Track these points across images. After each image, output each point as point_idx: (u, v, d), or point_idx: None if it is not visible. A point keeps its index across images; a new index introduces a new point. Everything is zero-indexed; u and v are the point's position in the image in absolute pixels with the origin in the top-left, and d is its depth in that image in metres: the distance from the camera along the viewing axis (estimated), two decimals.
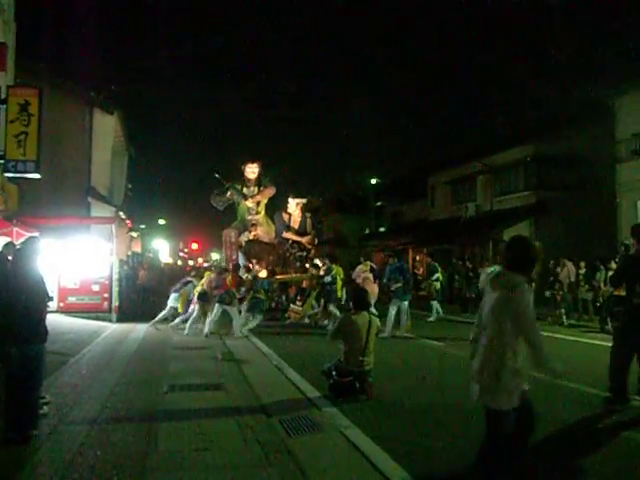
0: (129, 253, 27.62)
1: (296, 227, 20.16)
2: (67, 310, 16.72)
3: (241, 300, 15.53)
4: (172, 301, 16.32)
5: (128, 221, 25.95)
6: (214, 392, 7.89)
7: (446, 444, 5.83)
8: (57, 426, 6.20)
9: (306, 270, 18.51)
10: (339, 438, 5.96)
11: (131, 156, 26.12)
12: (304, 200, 20.67)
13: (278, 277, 18.33)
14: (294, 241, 20.04)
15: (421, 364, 10.95)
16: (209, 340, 13.41)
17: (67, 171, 20.69)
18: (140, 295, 21.42)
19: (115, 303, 16.96)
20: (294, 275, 19.04)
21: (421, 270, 27.68)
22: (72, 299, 17.06)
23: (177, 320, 15.75)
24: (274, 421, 6.47)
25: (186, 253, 74.71)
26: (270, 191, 19.83)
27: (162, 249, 55.13)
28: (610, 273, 15.01)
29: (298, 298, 17.99)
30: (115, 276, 17.06)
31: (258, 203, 19.75)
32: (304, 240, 20.08)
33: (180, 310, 16.05)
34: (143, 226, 39.74)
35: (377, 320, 8.36)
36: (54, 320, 11.34)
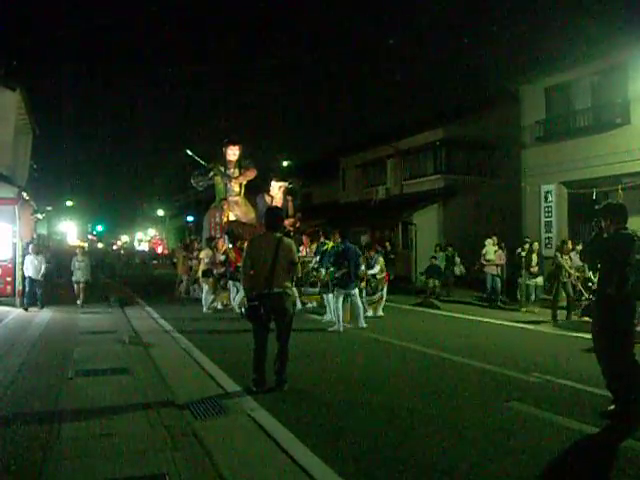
0: (34, 235, 26.74)
1: None
2: None
3: (222, 276, 16.27)
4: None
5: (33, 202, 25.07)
6: (120, 376, 7.77)
7: (355, 427, 5.87)
8: None
9: None
10: (246, 420, 5.99)
11: (35, 134, 25.15)
12: (286, 183, 20.60)
13: None
14: None
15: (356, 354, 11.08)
16: (117, 324, 13.21)
17: None
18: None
19: (19, 287, 16.45)
20: None
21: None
22: None
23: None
24: (181, 405, 6.44)
25: (94, 235, 72.98)
26: (251, 173, 19.86)
27: (70, 231, 53.80)
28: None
29: None
30: (19, 259, 16.54)
31: (240, 185, 19.76)
32: (287, 222, 20.09)
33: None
34: (49, 208, 38.34)
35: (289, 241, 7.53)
36: None
